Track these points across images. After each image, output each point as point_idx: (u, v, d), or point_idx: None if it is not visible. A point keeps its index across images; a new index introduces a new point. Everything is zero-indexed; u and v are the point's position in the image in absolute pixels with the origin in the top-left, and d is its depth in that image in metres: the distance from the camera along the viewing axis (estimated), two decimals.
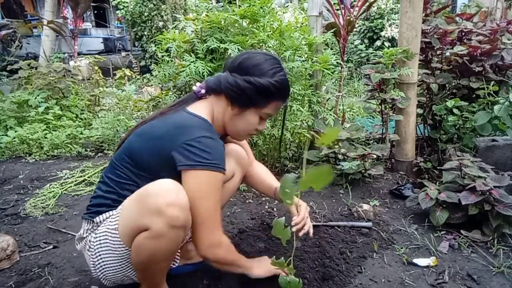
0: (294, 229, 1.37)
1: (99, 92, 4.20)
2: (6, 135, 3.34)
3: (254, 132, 1.31)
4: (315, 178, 1.03)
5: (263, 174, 1.60)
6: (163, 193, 1.06)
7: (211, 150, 1.12)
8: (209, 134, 1.15)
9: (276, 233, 1.24)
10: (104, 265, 1.19)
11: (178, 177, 1.12)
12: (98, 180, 1.31)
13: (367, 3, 3.04)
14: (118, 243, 1.15)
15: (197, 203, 1.11)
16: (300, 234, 1.40)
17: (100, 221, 1.20)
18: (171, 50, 2.25)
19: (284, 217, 1.26)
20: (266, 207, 2.13)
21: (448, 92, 2.63)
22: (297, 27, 2.48)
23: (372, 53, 5.74)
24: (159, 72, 2.45)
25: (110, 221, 1.18)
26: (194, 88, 1.28)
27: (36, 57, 6.84)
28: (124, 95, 4.25)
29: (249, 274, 1.32)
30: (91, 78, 4.80)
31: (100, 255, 1.18)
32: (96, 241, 1.18)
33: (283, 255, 1.31)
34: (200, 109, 1.24)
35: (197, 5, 2.43)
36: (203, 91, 1.27)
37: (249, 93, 1.20)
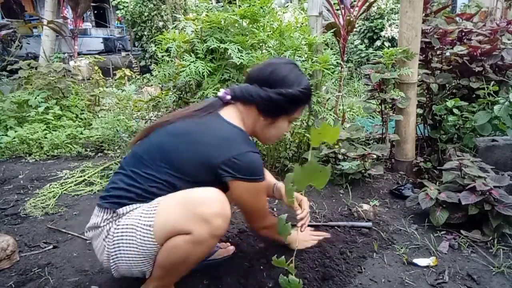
0: (299, 224, 1.44)
1: (99, 92, 4.20)
2: (6, 135, 3.34)
3: (283, 136, 1.48)
4: (309, 177, 1.04)
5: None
6: (211, 202, 1.14)
7: (255, 164, 1.26)
8: (252, 149, 1.26)
9: (279, 229, 1.25)
10: (122, 256, 1.19)
11: (216, 182, 1.22)
12: (118, 171, 1.30)
13: (367, 3, 3.04)
14: (148, 239, 1.15)
15: (247, 206, 1.33)
16: (302, 229, 1.47)
17: (123, 213, 1.21)
18: (171, 50, 2.25)
19: (286, 214, 1.27)
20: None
21: (448, 92, 2.63)
22: (297, 27, 2.48)
23: (372, 53, 5.75)
24: (159, 72, 2.45)
25: (142, 217, 1.17)
26: (220, 94, 1.35)
27: (36, 57, 6.84)
28: (124, 95, 4.25)
29: (292, 247, 1.51)
30: (91, 78, 4.80)
31: (119, 246, 1.19)
32: (118, 232, 1.19)
33: (283, 255, 1.30)
34: (234, 118, 1.32)
35: (197, 5, 2.44)
36: (228, 97, 1.34)
37: (282, 104, 1.31)
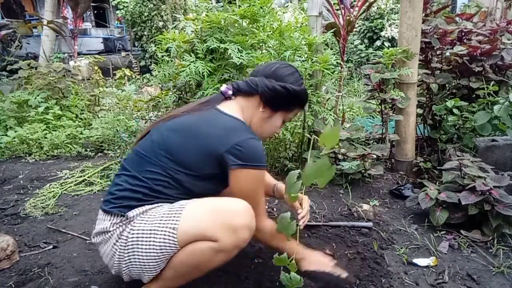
0: (300, 222, 1.43)
1: (99, 92, 4.20)
2: (6, 135, 3.34)
3: (274, 135, 1.48)
4: (317, 173, 1.05)
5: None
6: (241, 213, 1.16)
7: (258, 150, 1.25)
8: (253, 136, 1.27)
9: (280, 228, 1.26)
10: (136, 260, 1.18)
11: (221, 175, 1.24)
12: (120, 173, 1.29)
13: (367, 3, 3.04)
14: (170, 241, 1.14)
15: (245, 196, 1.23)
16: (301, 226, 1.45)
17: (134, 216, 1.19)
18: (171, 50, 2.24)
19: (289, 212, 1.29)
20: (267, 207, 2.13)
21: (448, 92, 2.63)
22: (297, 27, 2.48)
23: (372, 53, 5.75)
24: (159, 72, 2.45)
25: (163, 220, 1.16)
26: (222, 88, 1.37)
27: (36, 57, 6.84)
28: (124, 95, 4.25)
29: (299, 266, 1.37)
30: (91, 78, 4.80)
31: (134, 250, 1.17)
32: (134, 236, 1.17)
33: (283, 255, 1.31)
34: (232, 110, 1.33)
35: (197, 5, 2.44)
36: (230, 92, 1.36)
37: (284, 98, 1.34)
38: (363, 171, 2.38)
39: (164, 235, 1.15)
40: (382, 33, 6.36)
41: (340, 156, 2.39)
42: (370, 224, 1.90)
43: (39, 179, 2.65)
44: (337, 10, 3.10)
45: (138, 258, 1.17)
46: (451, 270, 1.54)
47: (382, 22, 6.41)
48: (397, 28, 5.91)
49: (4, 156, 3.16)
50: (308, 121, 2.46)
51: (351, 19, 2.89)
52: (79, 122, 3.78)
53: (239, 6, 2.32)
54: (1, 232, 1.84)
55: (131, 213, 1.19)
